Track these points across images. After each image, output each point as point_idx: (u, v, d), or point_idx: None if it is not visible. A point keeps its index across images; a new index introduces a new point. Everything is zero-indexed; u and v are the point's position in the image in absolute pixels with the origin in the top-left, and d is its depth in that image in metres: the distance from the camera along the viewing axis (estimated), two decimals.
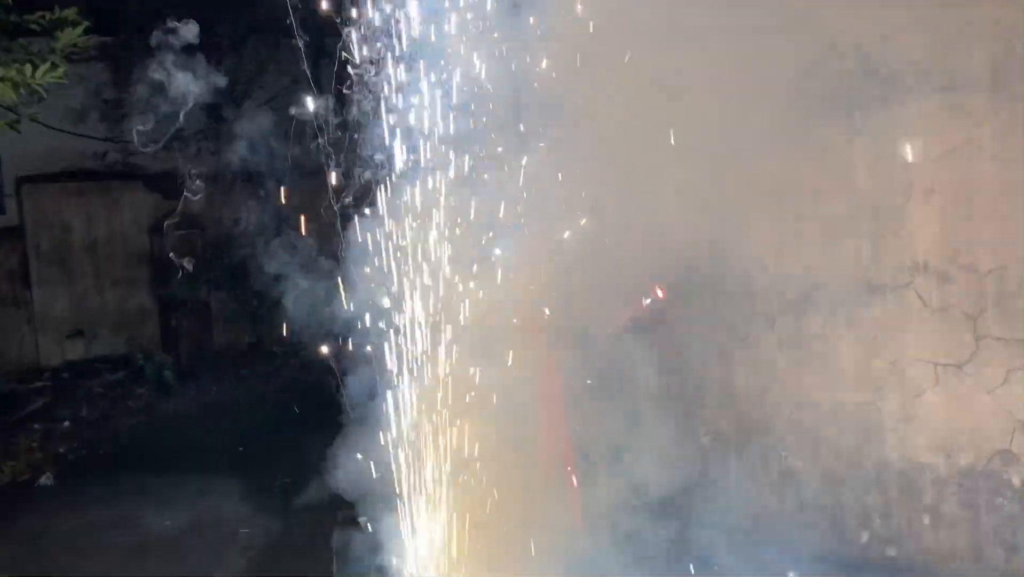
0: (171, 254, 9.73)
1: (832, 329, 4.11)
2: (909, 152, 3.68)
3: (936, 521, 3.81)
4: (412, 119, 4.33)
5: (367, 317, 4.89)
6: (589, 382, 4.52)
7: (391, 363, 4.45)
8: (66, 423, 8.19)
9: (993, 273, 3.49)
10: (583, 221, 4.34)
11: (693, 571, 4.28)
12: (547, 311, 4.31)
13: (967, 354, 3.63)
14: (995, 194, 3.44)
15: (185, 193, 6.02)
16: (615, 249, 5.13)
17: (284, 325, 9.70)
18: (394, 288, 4.55)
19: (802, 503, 4.34)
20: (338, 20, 4.48)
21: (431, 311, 4.38)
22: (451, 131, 4.27)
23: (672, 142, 4.66)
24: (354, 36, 4.24)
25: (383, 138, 4.52)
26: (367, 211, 4.97)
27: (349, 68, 4.32)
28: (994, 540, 3.63)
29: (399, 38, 4.18)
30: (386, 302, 4.75)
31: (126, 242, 10.24)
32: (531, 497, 4.01)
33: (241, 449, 7.31)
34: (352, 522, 4.86)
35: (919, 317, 3.77)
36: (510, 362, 4.08)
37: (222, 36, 9.14)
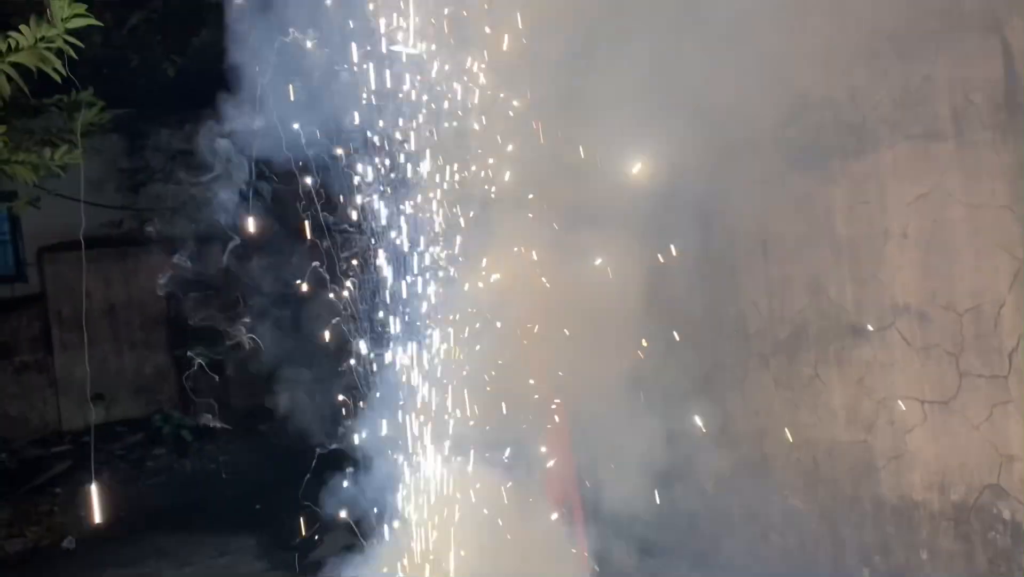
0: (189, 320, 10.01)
1: (823, 370, 4.23)
2: (883, 199, 3.83)
3: (934, 556, 3.87)
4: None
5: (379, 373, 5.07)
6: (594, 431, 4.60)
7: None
8: (86, 486, 8.34)
9: (970, 312, 3.61)
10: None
11: None
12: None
13: (952, 391, 3.72)
14: (965, 236, 3.57)
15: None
16: (614, 298, 5.29)
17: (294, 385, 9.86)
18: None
19: (804, 542, 4.41)
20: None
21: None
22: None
23: (664, 194, 4.85)
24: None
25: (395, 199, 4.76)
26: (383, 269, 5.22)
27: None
28: (989, 573, 3.69)
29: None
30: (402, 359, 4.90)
31: (143, 306, 10.49)
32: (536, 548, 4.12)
33: (258, 507, 7.43)
34: None
35: (904, 357, 3.88)
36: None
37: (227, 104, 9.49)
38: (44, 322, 10.03)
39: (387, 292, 4.68)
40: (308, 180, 4.68)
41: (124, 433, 9.90)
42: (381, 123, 4.47)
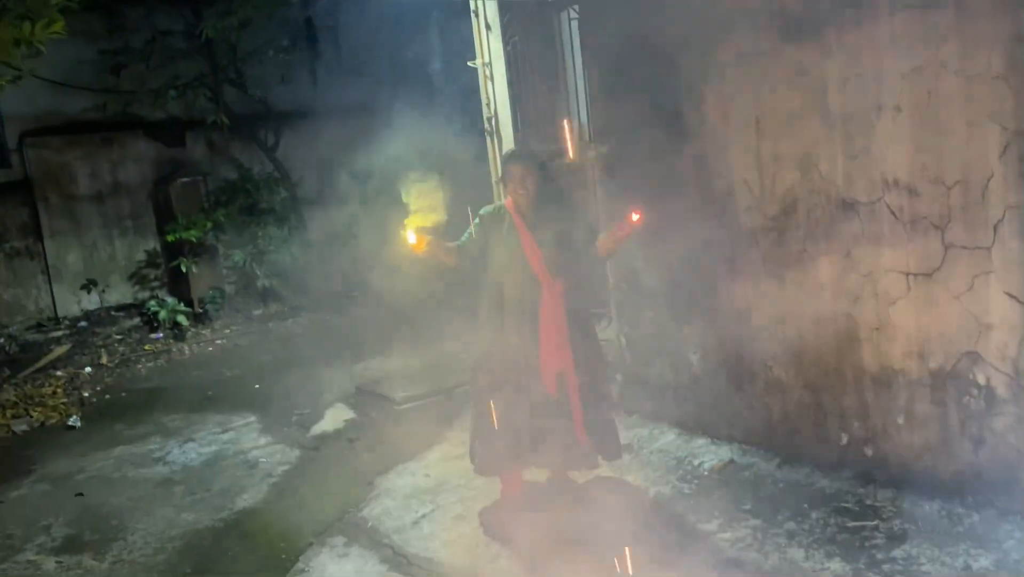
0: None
1: (811, 245, 4.29)
2: (878, 71, 3.80)
3: (909, 421, 4.05)
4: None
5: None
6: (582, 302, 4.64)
7: None
8: (87, 369, 8.51)
9: (958, 185, 3.64)
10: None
11: (685, 475, 4.56)
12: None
13: (936, 263, 3.79)
14: (958, 108, 3.56)
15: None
16: (609, 171, 5.30)
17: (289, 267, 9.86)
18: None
19: (787, 410, 4.59)
20: None
21: None
22: None
23: (655, 68, 4.80)
24: None
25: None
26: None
27: None
28: (962, 435, 3.86)
29: None
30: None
31: (130, 191, 10.43)
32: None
33: (257, 386, 7.63)
34: None
35: (891, 230, 3.93)
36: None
37: None
38: (32, 208, 9.99)
39: None
40: None
41: (120, 318, 10.04)
42: None
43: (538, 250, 3.94)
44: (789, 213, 4.35)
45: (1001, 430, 3.72)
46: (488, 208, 4.12)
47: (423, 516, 4.52)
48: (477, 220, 4.08)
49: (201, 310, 10.15)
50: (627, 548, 3.86)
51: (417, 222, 3.61)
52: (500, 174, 4.10)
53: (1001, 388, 3.68)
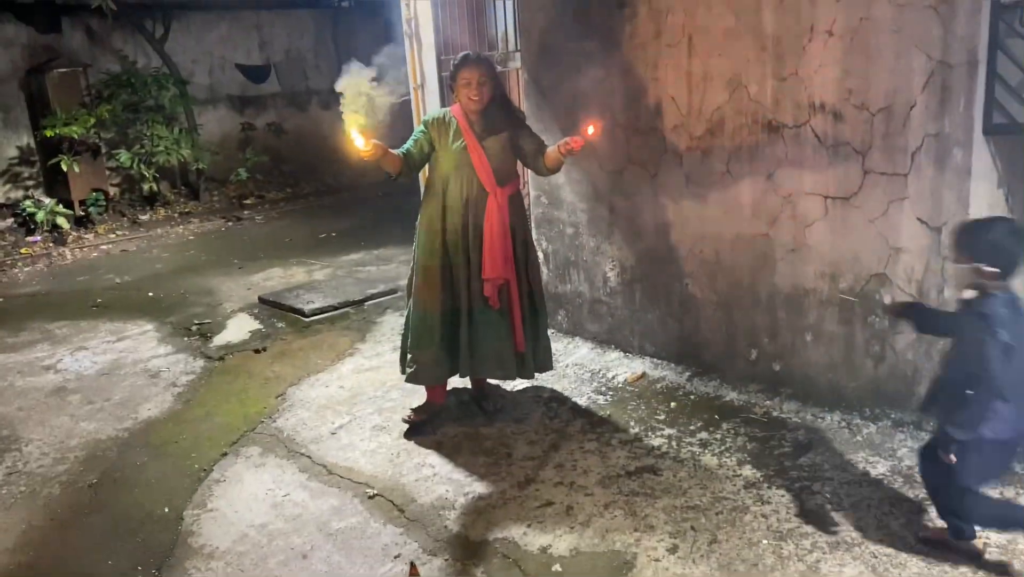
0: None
1: (735, 166, 4.36)
2: None
3: (817, 338, 4.25)
4: None
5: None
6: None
7: None
8: None
9: (882, 112, 3.75)
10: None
11: (600, 388, 4.68)
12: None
13: (854, 188, 3.93)
14: (888, 36, 3.64)
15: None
16: (534, 82, 5.20)
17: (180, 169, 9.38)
18: None
19: (699, 327, 4.74)
20: None
21: None
22: None
23: None
24: None
25: None
26: None
27: None
28: (865, 352, 4.09)
29: None
30: None
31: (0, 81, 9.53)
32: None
33: (151, 294, 7.28)
34: None
35: (814, 154, 4.03)
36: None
37: None
38: None
39: None
40: None
41: None
42: None
43: (486, 159, 3.84)
44: (715, 133, 4.39)
45: (901, 348, 3.95)
46: (434, 114, 3.97)
47: (340, 427, 4.46)
48: (422, 127, 3.94)
49: (83, 213, 9.53)
50: (548, 456, 3.95)
51: (358, 121, 3.43)
52: (449, 78, 3.94)
53: None
